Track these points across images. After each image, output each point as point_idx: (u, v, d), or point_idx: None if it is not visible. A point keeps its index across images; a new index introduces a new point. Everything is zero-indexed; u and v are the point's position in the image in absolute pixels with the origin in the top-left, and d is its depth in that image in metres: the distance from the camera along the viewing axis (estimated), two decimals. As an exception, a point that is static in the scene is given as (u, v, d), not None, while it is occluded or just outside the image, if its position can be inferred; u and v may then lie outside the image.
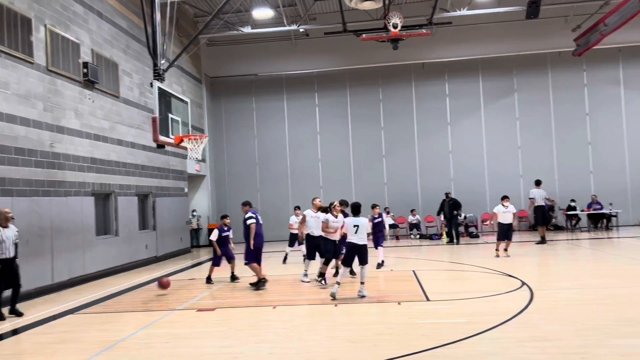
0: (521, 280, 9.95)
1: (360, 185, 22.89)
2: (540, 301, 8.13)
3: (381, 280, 11.11)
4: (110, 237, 14.44)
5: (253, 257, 10.49)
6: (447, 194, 19.39)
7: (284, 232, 22.32)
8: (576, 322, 6.78)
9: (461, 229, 21.05)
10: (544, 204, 17.32)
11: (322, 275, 10.52)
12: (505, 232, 13.74)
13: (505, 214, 13.72)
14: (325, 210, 10.84)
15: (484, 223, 22.02)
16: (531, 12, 18.48)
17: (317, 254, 10.90)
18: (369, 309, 8.27)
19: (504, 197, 14.15)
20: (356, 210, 9.39)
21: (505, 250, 13.86)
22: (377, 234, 12.82)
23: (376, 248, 12.73)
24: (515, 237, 20.04)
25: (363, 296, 9.01)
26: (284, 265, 14.25)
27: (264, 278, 10.45)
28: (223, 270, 11.84)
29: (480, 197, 22.44)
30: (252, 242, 10.46)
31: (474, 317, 7.32)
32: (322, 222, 10.38)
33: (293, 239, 14.30)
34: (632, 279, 9.91)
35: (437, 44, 22.15)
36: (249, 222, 10.55)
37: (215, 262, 11.76)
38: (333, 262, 10.77)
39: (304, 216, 11.23)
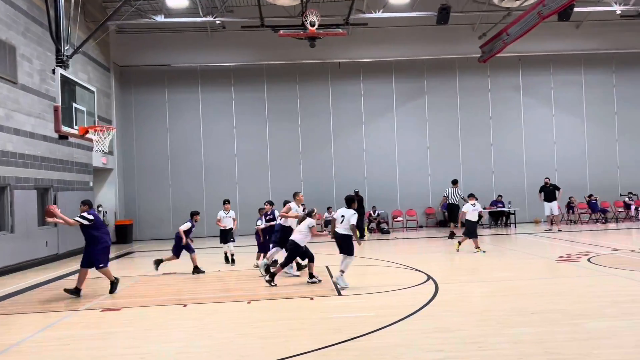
0: (427, 275, 10.42)
1: (276, 182, 22.86)
2: (444, 294, 8.56)
3: (295, 277, 11.16)
4: (4, 234, 13.40)
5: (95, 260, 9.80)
6: (356, 192, 19.79)
7: (196, 228, 21.89)
8: (475, 313, 7.21)
9: (373, 225, 21.79)
10: (457, 202, 18.00)
11: (311, 275, 10.14)
12: (474, 230, 13.83)
13: (474, 212, 13.78)
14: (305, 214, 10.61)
15: (395, 219, 22.82)
16: (441, 18, 19.40)
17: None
18: (282, 305, 8.30)
19: (471, 196, 14.20)
20: (348, 201, 9.59)
21: (478, 247, 13.78)
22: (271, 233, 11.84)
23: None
24: (423, 232, 21.06)
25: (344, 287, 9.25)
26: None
27: (77, 288, 9.54)
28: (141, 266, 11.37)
29: (392, 195, 23.24)
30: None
31: (383, 310, 7.56)
32: (310, 226, 10.03)
33: (224, 236, 13.52)
34: (526, 272, 10.69)
35: (353, 45, 22.60)
36: (85, 222, 9.75)
37: (176, 252, 11.99)
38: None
39: (289, 207, 11.10)
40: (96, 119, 12.39)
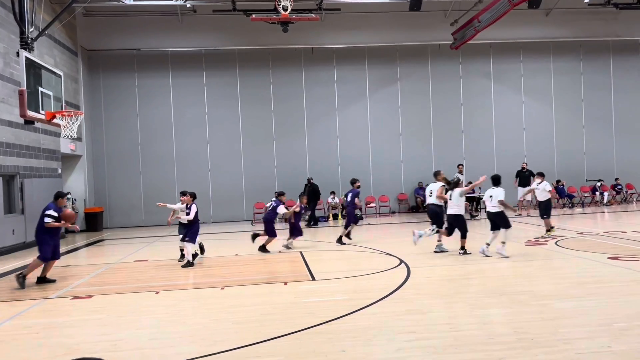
0: (399, 259, 10.56)
1: (250, 169, 22.75)
2: (416, 277, 8.70)
3: (269, 262, 11.18)
4: (-32, 222, 13.01)
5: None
6: (309, 179, 19.79)
7: (167, 216, 21.68)
8: (446, 295, 7.35)
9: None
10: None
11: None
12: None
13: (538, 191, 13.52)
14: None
15: (368, 205, 22.98)
16: (414, 5, 19.47)
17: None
18: (256, 291, 8.30)
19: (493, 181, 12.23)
20: (495, 181, 10.68)
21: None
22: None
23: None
24: (395, 218, 21.28)
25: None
26: (166, 250, 13.73)
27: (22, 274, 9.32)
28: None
29: (365, 181, 23.32)
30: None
31: (356, 294, 7.64)
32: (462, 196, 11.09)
33: (182, 229, 11.64)
34: (494, 255, 10.91)
35: (327, 30, 22.49)
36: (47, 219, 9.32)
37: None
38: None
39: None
40: (63, 104, 12.10)
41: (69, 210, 9.74)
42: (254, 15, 17.62)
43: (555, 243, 11.94)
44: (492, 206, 10.56)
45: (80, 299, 8.16)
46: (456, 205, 11.03)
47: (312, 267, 10.08)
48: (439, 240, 11.46)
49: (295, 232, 12.85)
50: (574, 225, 15.93)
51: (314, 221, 19.58)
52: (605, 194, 22.95)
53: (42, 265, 9.46)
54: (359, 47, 23.14)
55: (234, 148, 22.79)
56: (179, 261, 11.16)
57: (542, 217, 13.58)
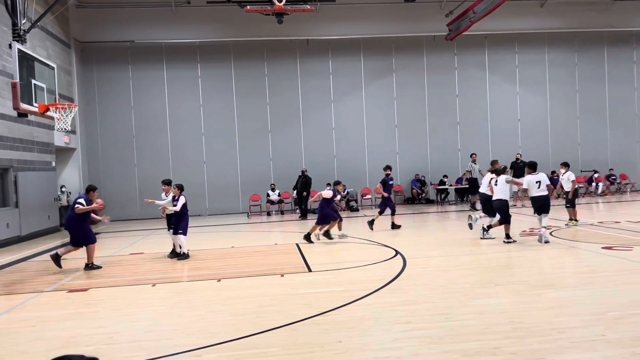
0: (395, 250, 10.59)
1: (245, 161, 22.72)
2: (411, 268, 8.73)
3: (265, 254, 11.20)
4: (-38, 216, 12.94)
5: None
6: (303, 172, 19.65)
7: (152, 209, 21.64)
8: (442, 286, 7.38)
9: (342, 203, 21.89)
10: (477, 176, 18.47)
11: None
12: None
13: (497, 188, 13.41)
14: None
15: (364, 197, 23.01)
16: (409, -4, 19.37)
17: None
18: (252, 282, 8.32)
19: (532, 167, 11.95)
20: (534, 167, 11.15)
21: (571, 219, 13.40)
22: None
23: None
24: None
25: (547, 241, 10.41)
26: (162, 243, 13.71)
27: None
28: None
29: (361, 173, 23.38)
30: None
31: (352, 285, 7.66)
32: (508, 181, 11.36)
33: (172, 222, 11.16)
34: (490, 246, 10.96)
35: (322, 22, 22.40)
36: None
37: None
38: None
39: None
40: (57, 96, 12.03)
41: (100, 201, 10.27)
42: (248, 7, 17.51)
43: (551, 233, 11.99)
44: (541, 190, 10.81)
45: (76, 292, 8.15)
46: (502, 190, 11.25)
47: (309, 259, 10.10)
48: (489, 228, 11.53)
49: (331, 218, 12.92)
50: (570, 215, 15.99)
51: (304, 214, 19.34)
52: (600, 184, 23.06)
53: (78, 250, 10.10)
54: (354, 39, 23.07)
55: (230, 140, 22.74)
56: (169, 257, 10.98)
57: (567, 207, 13.78)
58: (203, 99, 22.70)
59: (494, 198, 11.39)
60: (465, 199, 23.10)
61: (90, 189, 10.27)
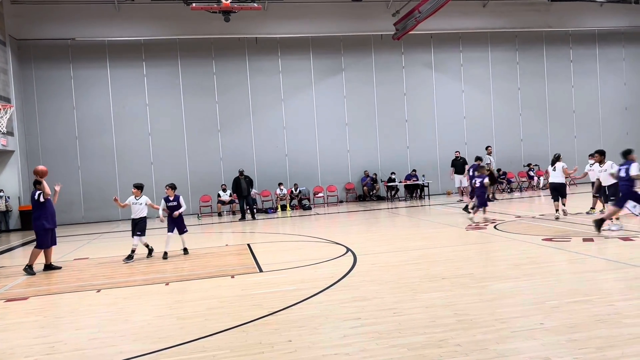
0: (346, 247, 10.69)
1: (195, 161, 22.36)
2: (362, 265, 8.83)
3: (216, 256, 11.06)
4: None
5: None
6: (240, 172, 19.43)
7: (109, 212, 21.02)
8: (391, 281, 7.50)
9: (294, 201, 21.93)
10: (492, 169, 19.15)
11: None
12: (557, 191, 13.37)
13: (555, 173, 13.32)
14: None
15: (316, 195, 23.10)
16: (356, -5, 19.57)
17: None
18: (201, 285, 8.19)
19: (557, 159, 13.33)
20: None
21: (564, 205, 13.47)
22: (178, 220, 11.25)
23: (181, 233, 11.30)
24: (343, 207, 21.50)
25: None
26: (108, 248, 13.34)
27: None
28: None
29: (312, 171, 23.47)
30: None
31: (303, 283, 7.68)
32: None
33: (136, 225, 11.01)
34: (438, 240, 11.24)
35: (270, 20, 22.31)
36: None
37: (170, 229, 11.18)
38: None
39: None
40: (-9, 97, 11.42)
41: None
42: (194, 4, 17.23)
43: (495, 227, 12.41)
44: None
45: (15, 301, 7.79)
46: (561, 175, 12.88)
47: (260, 259, 10.05)
48: (617, 219, 11.06)
49: (485, 203, 14.08)
50: (512, 209, 16.62)
51: (251, 215, 19.07)
52: (541, 178, 24.04)
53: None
54: (303, 37, 23.11)
55: (178, 140, 22.32)
56: (148, 257, 11.01)
57: (594, 195, 13.66)
58: (149, 98, 22.16)
59: (554, 181, 13.14)
60: (413, 195, 23.56)
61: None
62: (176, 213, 11.11)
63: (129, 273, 9.69)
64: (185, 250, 11.19)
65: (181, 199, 11.31)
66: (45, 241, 9.98)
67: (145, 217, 11.11)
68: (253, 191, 19.60)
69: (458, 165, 20.70)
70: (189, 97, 22.45)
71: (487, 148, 20.38)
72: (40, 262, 10.25)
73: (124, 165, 21.70)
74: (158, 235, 13.57)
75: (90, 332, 5.99)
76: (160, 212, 11.25)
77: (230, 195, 21.39)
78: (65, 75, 21.54)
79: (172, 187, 11.38)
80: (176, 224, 11.17)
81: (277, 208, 21.64)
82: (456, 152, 21.30)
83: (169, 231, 11.16)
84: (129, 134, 21.93)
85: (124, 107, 21.88)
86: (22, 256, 13.52)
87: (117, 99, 21.90)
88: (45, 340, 5.78)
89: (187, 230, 11.42)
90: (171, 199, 11.23)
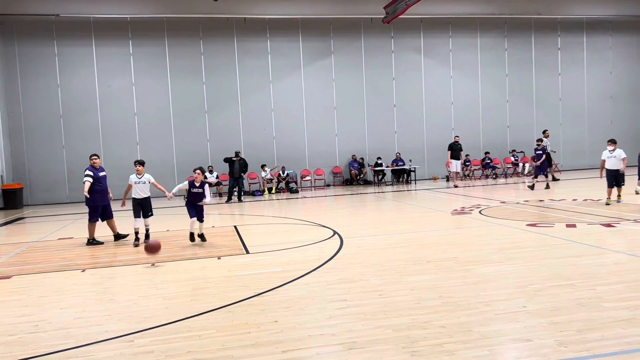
0: (333, 230, 10.73)
1: (181, 142, 22.18)
2: (348, 248, 8.88)
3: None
4: None
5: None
6: (236, 153, 19.36)
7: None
8: (376, 264, 7.56)
9: (282, 184, 21.91)
10: (549, 151, 19.02)
11: None
12: (613, 178, 12.90)
13: (611, 160, 12.86)
14: None
15: (304, 179, 23.10)
16: (347, -23, 19.34)
17: None
18: (188, 266, 8.18)
19: (611, 141, 12.91)
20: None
21: (619, 196, 13.01)
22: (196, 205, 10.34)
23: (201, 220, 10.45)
24: (330, 191, 21.53)
25: None
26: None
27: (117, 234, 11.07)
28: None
29: (300, 154, 23.42)
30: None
31: (289, 265, 7.71)
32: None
33: (138, 208, 10.52)
34: (423, 225, 11.33)
35: (259, 0, 22.03)
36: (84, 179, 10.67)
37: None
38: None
39: None
40: (-28, 72, 11.17)
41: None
42: (182, -18, 16.91)
43: (480, 212, 12.53)
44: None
45: (-2, 280, 7.73)
46: (619, 162, 12.73)
47: (246, 241, 10.06)
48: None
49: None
50: (497, 195, 16.77)
51: (238, 197, 19.10)
52: (526, 165, 24.25)
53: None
54: (293, 19, 22.88)
55: (164, 121, 22.10)
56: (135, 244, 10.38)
57: (615, 185, 13.10)
58: (135, 77, 21.86)
59: (612, 167, 12.87)
60: (399, 180, 23.64)
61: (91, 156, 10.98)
62: (206, 201, 10.07)
63: (114, 253, 9.64)
64: (203, 237, 10.21)
65: (207, 188, 10.10)
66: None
67: (149, 196, 10.52)
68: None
69: (457, 150, 20.47)
70: (176, 77, 22.17)
71: (544, 132, 20.31)
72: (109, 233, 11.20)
73: (109, 145, 21.45)
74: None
75: (75, 311, 5.97)
76: (175, 189, 10.40)
77: (217, 177, 21.29)
78: (49, 53, 21.13)
79: (203, 171, 10.28)
80: (197, 211, 10.11)
81: (264, 191, 21.61)
82: (456, 136, 21.20)
83: (191, 216, 9.99)
84: (115, 113, 21.65)
85: (109, 86, 21.58)
86: (5, 234, 13.38)
87: (103, 77, 21.56)
88: (29, 319, 5.75)
89: (204, 220, 10.33)
90: (197, 184, 10.06)
